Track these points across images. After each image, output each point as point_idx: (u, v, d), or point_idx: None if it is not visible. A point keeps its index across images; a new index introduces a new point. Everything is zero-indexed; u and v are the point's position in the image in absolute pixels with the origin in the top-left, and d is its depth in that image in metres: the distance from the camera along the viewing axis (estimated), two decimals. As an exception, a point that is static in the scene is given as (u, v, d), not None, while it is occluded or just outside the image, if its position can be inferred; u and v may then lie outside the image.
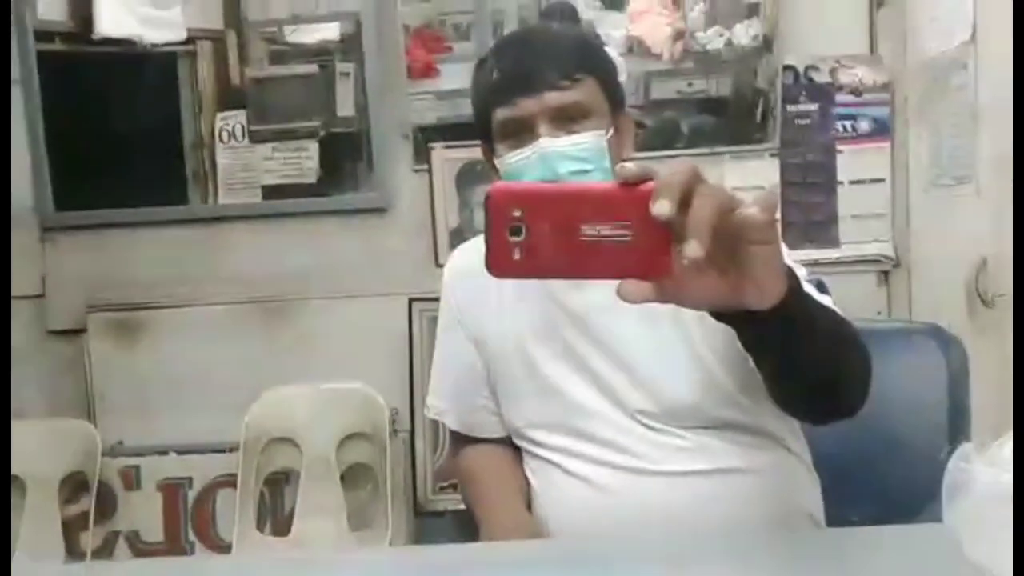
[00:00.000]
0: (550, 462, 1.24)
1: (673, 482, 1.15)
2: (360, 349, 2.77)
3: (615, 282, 0.64)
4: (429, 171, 2.81)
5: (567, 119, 1.15)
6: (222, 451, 2.74)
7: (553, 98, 1.14)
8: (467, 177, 2.76)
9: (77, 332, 2.90)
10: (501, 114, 1.16)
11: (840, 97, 2.60)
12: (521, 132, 1.15)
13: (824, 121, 2.62)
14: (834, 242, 2.59)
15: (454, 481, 2.41)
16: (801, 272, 1.02)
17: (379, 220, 2.87)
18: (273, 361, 2.80)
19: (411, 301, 2.75)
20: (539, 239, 0.62)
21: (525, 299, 1.25)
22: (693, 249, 0.60)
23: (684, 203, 0.61)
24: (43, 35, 3.05)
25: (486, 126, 1.20)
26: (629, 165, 0.63)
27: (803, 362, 0.83)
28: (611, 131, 1.19)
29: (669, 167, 0.63)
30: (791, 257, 1.08)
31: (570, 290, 1.20)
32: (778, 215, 0.69)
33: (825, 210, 2.60)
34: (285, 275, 2.88)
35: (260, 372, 2.73)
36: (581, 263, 0.62)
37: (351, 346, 2.78)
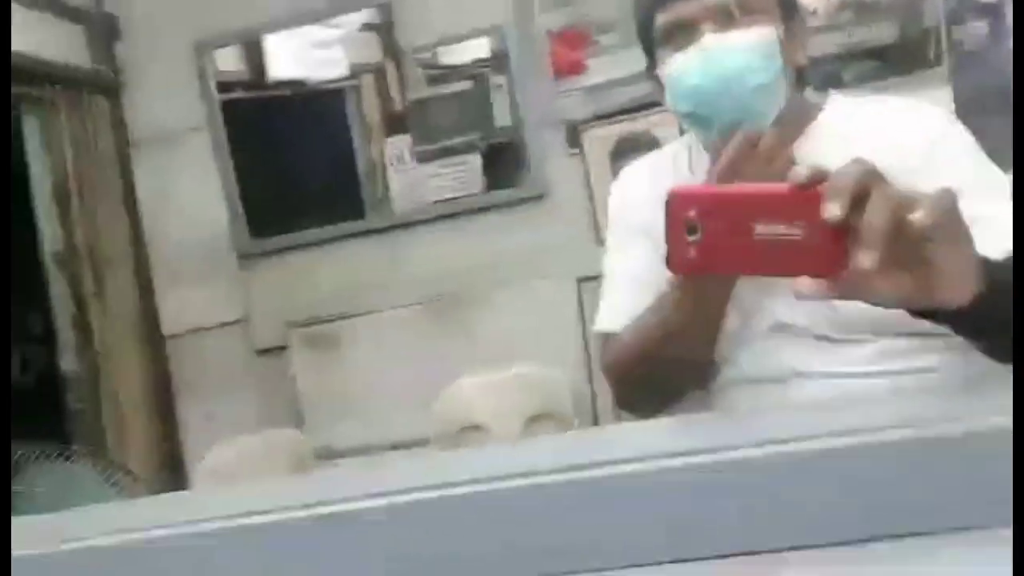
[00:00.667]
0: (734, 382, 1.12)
1: (862, 382, 1.03)
2: (536, 333, 2.70)
3: None
4: (581, 153, 2.71)
5: (731, 18, 1.04)
6: (420, 444, 2.71)
7: None
8: (622, 153, 2.65)
9: (280, 349, 2.97)
10: (661, 19, 1.07)
11: (1010, 11, 2.29)
12: (683, 35, 1.05)
13: (995, 40, 2.31)
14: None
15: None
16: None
17: (539, 208, 2.79)
18: (456, 354, 2.77)
19: (579, 281, 2.64)
20: (714, 237, 0.62)
21: None
22: (866, 259, 0.58)
23: (858, 203, 0.58)
24: (224, 85, 3.19)
25: (648, 38, 1.11)
26: (801, 170, 0.60)
27: (1004, 342, 0.72)
28: (781, 30, 1.06)
29: (843, 167, 0.60)
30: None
31: None
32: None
33: (1006, 134, 2.29)
34: (458, 273, 2.85)
35: (445, 365, 2.69)
36: (755, 260, 0.62)
37: (527, 331, 2.71)
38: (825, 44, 2.68)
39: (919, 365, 1.03)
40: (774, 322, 1.10)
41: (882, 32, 2.69)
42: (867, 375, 1.04)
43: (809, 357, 1.07)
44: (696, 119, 1.10)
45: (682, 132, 1.29)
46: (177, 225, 3.05)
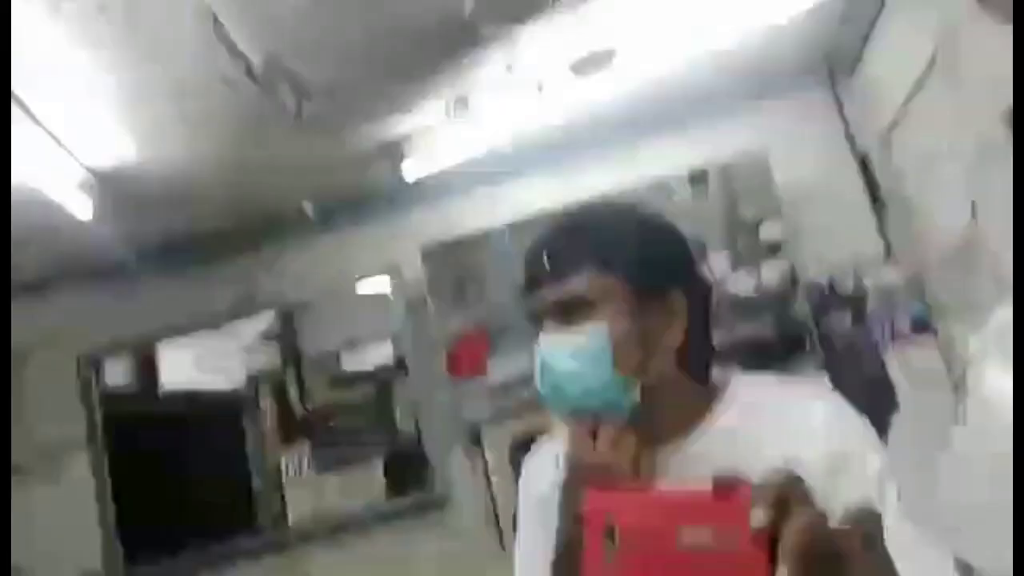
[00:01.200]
0: None
1: None
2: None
3: None
4: (482, 453, 2.66)
5: (568, 313, 1.03)
6: None
7: (550, 291, 1.03)
8: (519, 450, 2.60)
9: None
10: (529, 295, 1.07)
11: (872, 302, 2.45)
12: (538, 323, 1.05)
13: (862, 329, 2.45)
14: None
15: None
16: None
17: (441, 514, 2.68)
18: None
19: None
20: (633, 545, 0.58)
21: None
22: None
23: (783, 514, 0.56)
24: (111, 399, 3.09)
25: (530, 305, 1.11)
26: (721, 477, 0.58)
27: None
28: (622, 323, 1.04)
29: (768, 477, 0.58)
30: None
31: None
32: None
33: (886, 412, 2.35)
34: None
35: None
36: (678, 571, 0.58)
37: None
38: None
39: None
40: None
41: (761, 327, 2.84)
42: None
43: None
44: (553, 410, 1.08)
45: None
46: (48, 556, 2.78)
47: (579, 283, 1.04)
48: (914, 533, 0.93)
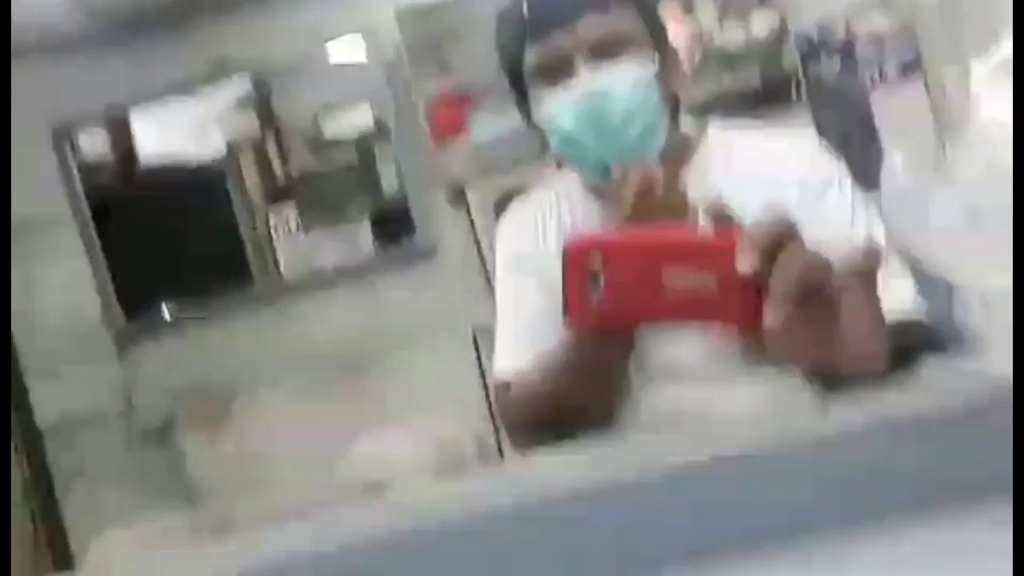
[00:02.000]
0: None
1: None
2: (435, 389, 2.62)
3: None
4: (467, 209, 2.69)
5: (606, 53, 0.99)
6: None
7: (588, 28, 0.99)
8: (504, 206, 2.64)
9: (167, 428, 2.81)
10: (533, 53, 1.01)
11: (860, 49, 2.39)
12: (557, 72, 1.00)
13: (850, 75, 2.41)
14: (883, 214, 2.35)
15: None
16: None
17: (429, 265, 2.74)
18: (357, 419, 2.65)
19: (475, 333, 2.60)
20: (619, 289, 0.56)
21: None
22: (772, 317, 0.54)
23: (771, 256, 0.54)
24: (92, 168, 3.05)
25: (518, 74, 1.05)
26: (715, 203, 0.57)
27: None
28: (657, 61, 1.03)
29: (759, 219, 0.56)
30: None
31: None
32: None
33: (868, 161, 2.37)
34: (353, 336, 2.76)
35: (344, 429, 2.58)
36: (663, 311, 0.56)
37: (426, 388, 2.63)
38: (696, 93, 2.75)
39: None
40: (663, 362, 1.06)
41: (747, 77, 2.79)
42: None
43: (698, 397, 1.03)
44: (580, 162, 1.06)
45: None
46: (48, 313, 2.86)
47: (622, 18, 1.01)
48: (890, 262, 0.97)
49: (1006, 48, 0.58)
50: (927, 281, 0.95)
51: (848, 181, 1.06)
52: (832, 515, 0.48)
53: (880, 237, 1.01)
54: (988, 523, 0.47)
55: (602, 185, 1.04)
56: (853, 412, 0.52)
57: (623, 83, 0.99)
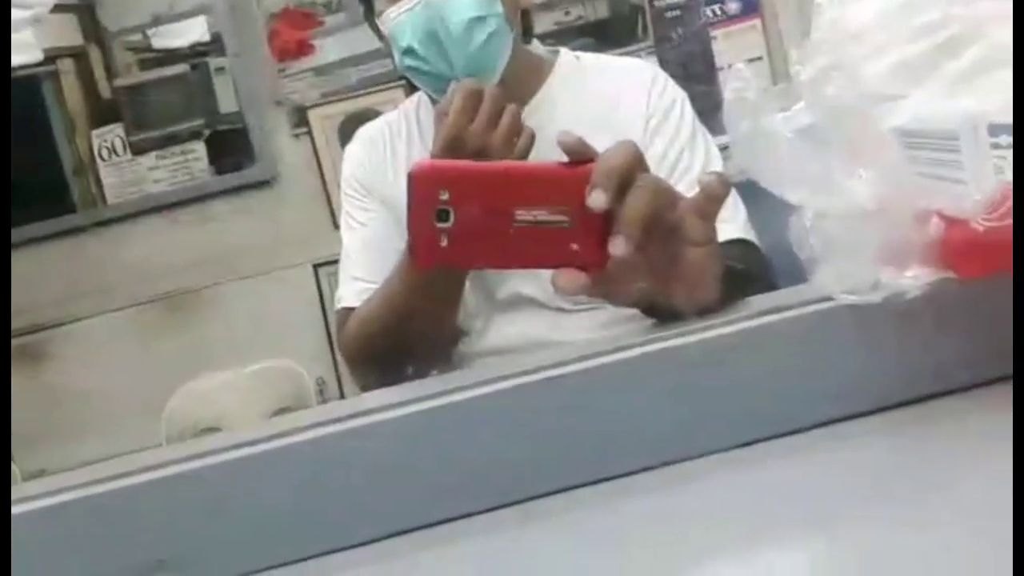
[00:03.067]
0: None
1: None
2: (275, 325, 2.49)
3: None
4: (310, 134, 2.54)
5: None
6: (150, 456, 2.42)
7: None
8: (349, 132, 2.52)
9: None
10: None
11: (704, -17, 2.40)
12: None
13: (692, 9, 2.42)
14: (721, 129, 2.39)
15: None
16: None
17: (268, 193, 2.59)
18: (187, 356, 2.50)
19: (316, 267, 2.48)
20: (468, 224, 0.52)
21: None
22: (618, 246, 0.52)
23: (623, 191, 0.53)
24: None
25: None
26: (567, 136, 0.54)
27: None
28: None
29: (610, 149, 0.54)
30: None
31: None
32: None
33: (710, 98, 2.39)
34: (185, 268, 2.58)
35: (174, 368, 2.42)
36: (514, 251, 0.53)
37: (264, 325, 2.50)
38: (544, 23, 2.71)
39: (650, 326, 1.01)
40: (512, 294, 1.04)
41: (596, 9, 2.78)
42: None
43: (547, 328, 1.02)
44: (422, 76, 1.00)
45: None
46: None
47: None
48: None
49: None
50: (764, 204, 0.96)
51: (689, 108, 1.07)
52: (670, 434, 0.46)
53: (718, 164, 1.02)
54: (823, 442, 0.46)
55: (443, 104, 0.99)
56: (686, 335, 0.50)
57: (490, 39, 0.95)
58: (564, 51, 1.13)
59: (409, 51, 0.97)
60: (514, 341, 1.03)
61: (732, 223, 0.96)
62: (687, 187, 0.90)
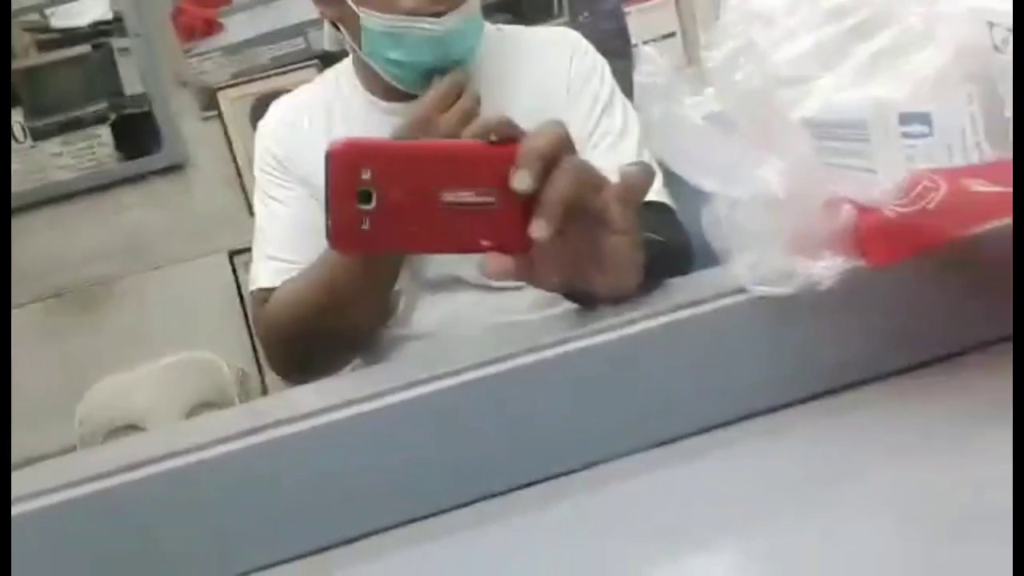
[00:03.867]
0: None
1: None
2: (190, 317, 2.41)
3: None
4: (220, 116, 2.45)
5: None
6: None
7: None
8: (261, 112, 2.44)
9: None
10: None
11: (618, -41, 2.39)
12: None
13: (608, -14, 2.40)
14: (637, 107, 2.40)
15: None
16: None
17: (179, 179, 2.49)
18: (100, 351, 2.40)
19: (232, 255, 2.40)
20: (391, 207, 0.49)
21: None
22: (538, 228, 0.51)
23: (547, 173, 0.52)
24: None
25: None
26: (494, 116, 0.53)
27: None
28: None
29: (537, 128, 0.53)
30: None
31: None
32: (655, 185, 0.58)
33: (627, 75, 2.39)
34: (91, 259, 2.46)
35: (88, 366, 2.32)
36: (439, 234, 0.51)
37: (180, 316, 2.41)
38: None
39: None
40: (439, 274, 1.02)
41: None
42: (528, 322, 0.99)
43: (473, 307, 1.01)
44: (395, 69, 1.01)
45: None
46: None
47: None
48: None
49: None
50: (678, 190, 0.96)
51: (609, 74, 1.09)
52: (584, 435, 0.45)
53: (635, 129, 1.02)
54: (739, 437, 0.45)
55: (411, 91, 1.00)
56: (598, 334, 0.48)
57: (469, 25, 0.98)
58: (487, 24, 1.12)
59: (391, 58, 0.99)
60: (441, 322, 1.02)
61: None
62: (605, 151, 0.89)
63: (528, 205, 0.51)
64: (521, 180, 0.50)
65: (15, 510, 0.44)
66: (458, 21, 0.97)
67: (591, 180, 0.54)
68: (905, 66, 0.37)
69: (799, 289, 0.45)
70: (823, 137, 0.43)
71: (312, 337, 0.98)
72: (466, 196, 0.51)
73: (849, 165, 0.42)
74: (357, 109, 1.07)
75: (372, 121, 1.05)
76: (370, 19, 0.97)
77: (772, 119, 0.44)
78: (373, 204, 0.49)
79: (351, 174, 0.49)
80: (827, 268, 0.45)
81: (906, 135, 0.38)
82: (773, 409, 0.47)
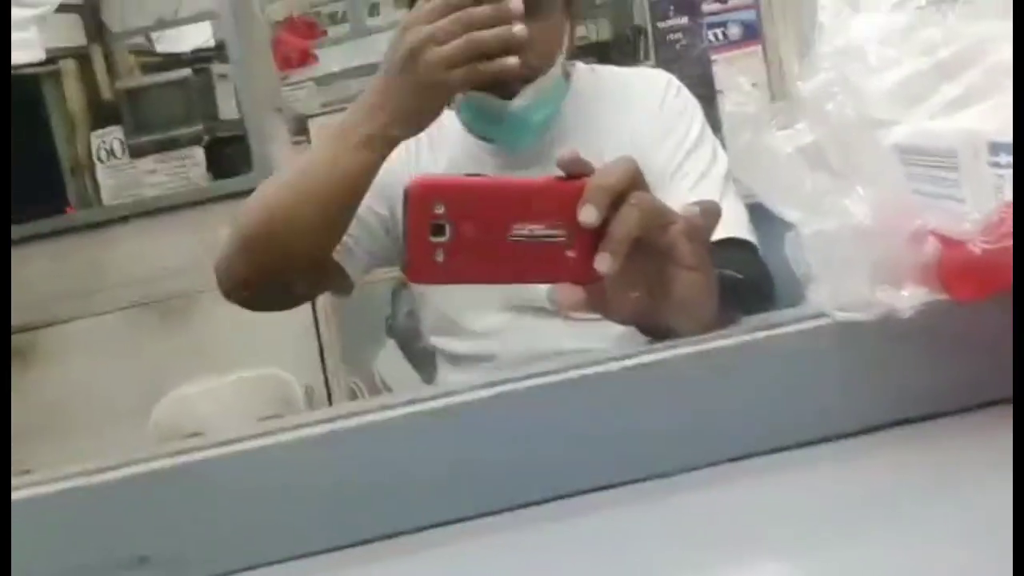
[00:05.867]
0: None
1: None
2: (265, 333, 2.47)
3: None
4: (309, 142, 2.55)
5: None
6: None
7: None
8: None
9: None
10: None
11: (707, 6, 2.41)
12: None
13: (695, 33, 2.43)
14: (725, 137, 2.40)
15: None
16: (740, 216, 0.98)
17: (265, 199, 2.57)
18: (177, 361, 2.48)
19: (310, 276, 2.47)
20: (465, 239, 0.52)
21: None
22: (603, 261, 0.52)
23: (615, 208, 0.53)
24: None
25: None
26: (565, 153, 0.54)
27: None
28: (566, 21, 1.03)
29: (606, 165, 0.54)
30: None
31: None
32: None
33: (710, 121, 2.41)
34: (177, 271, 2.56)
35: (165, 375, 2.40)
36: (510, 266, 0.53)
37: (255, 332, 2.47)
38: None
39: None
40: (522, 299, 1.03)
41: (599, 30, 2.80)
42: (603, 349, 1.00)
43: (558, 336, 1.00)
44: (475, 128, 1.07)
45: None
46: None
47: None
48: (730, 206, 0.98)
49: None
50: (765, 222, 0.96)
51: (700, 115, 1.09)
52: (658, 447, 0.46)
53: (722, 171, 1.02)
54: (813, 460, 0.46)
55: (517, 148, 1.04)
56: (677, 348, 0.49)
57: (543, 98, 0.99)
58: (579, 64, 1.15)
59: (466, 120, 1.05)
60: (525, 350, 1.02)
61: (726, 221, 0.96)
62: (687, 190, 0.89)
63: (596, 239, 0.53)
64: (588, 214, 0.52)
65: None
66: (530, 97, 0.98)
67: (659, 216, 0.55)
68: (995, 98, 0.38)
69: (880, 317, 0.46)
70: (912, 164, 0.44)
71: (282, 236, 0.94)
72: (536, 229, 0.53)
73: (937, 195, 0.43)
74: (446, 136, 1.10)
75: (457, 150, 1.09)
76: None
77: (862, 148, 0.45)
78: (447, 237, 0.52)
79: (426, 209, 0.52)
80: (909, 298, 0.45)
81: (995, 165, 0.39)
82: (847, 434, 0.47)
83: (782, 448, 0.47)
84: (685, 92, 1.11)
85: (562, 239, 0.53)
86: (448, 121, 1.10)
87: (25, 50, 3.05)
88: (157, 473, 0.46)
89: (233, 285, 1.02)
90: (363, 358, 2.48)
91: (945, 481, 0.42)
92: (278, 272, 0.97)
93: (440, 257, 0.52)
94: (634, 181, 0.54)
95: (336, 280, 1.06)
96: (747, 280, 0.83)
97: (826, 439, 0.47)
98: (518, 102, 0.97)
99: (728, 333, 0.49)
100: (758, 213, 0.92)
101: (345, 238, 1.00)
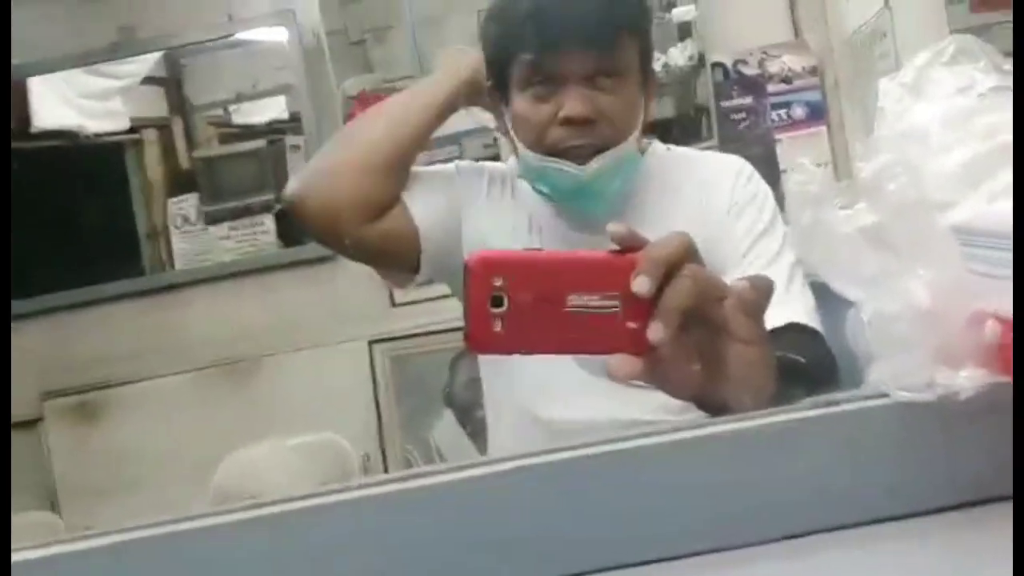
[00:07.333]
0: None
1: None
2: (326, 399, 2.52)
3: None
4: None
5: (601, 76, 1.01)
6: (194, 523, 2.43)
7: (591, 58, 0.99)
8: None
9: (33, 423, 2.62)
10: (523, 62, 1.01)
11: (771, 87, 2.44)
12: (547, 82, 1.00)
13: (759, 113, 2.45)
14: (787, 216, 2.39)
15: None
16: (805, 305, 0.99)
17: (330, 267, 2.65)
18: (240, 423, 2.53)
19: (371, 344, 2.51)
20: (522, 310, 0.54)
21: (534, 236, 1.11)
22: (655, 331, 0.53)
23: (669, 280, 0.54)
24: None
25: (503, 67, 1.04)
26: (617, 227, 0.55)
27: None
28: (641, 93, 1.06)
29: (660, 238, 0.56)
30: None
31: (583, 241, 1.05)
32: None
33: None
34: (244, 335, 2.64)
35: (224, 436, 2.45)
36: (567, 336, 0.55)
37: (316, 397, 2.52)
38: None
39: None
40: (576, 366, 1.04)
41: (662, 109, 2.84)
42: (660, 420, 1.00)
43: (617, 405, 1.01)
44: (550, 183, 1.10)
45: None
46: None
47: (625, 50, 1.02)
48: (794, 290, 0.98)
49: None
50: (827, 300, 0.96)
51: (772, 202, 1.10)
52: (711, 521, 0.46)
53: (788, 259, 1.02)
54: (868, 540, 0.45)
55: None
56: (734, 422, 0.50)
57: (617, 167, 1.02)
58: (656, 142, 1.18)
59: (539, 188, 1.09)
60: (583, 416, 1.04)
61: (790, 307, 0.96)
62: (754, 273, 0.90)
63: (651, 310, 0.54)
64: (641, 284, 0.53)
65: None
66: (604, 165, 1.00)
67: (711, 288, 0.56)
68: (1055, 183, 0.39)
69: (939, 398, 0.46)
70: (971, 245, 0.45)
71: (379, 153, 1.08)
72: (591, 300, 0.54)
73: (997, 275, 0.44)
74: (522, 195, 1.14)
75: (536, 207, 1.12)
76: (520, 148, 1.05)
77: (922, 229, 0.46)
78: (505, 307, 0.54)
79: (486, 282, 0.54)
80: (968, 380, 0.45)
81: (1054, 247, 0.39)
82: (907, 515, 0.47)
83: (840, 527, 0.47)
84: (757, 178, 1.12)
85: (616, 310, 0.54)
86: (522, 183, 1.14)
87: (111, 119, 3.23)
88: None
89: (313, 194, 1.11)
90: (419, 427, 2.50)
91: (1006, 564, 0.42)
92: (353, 185, 1.07)
93: (499, 327, 0.54)
94: (687, 254, 0.55)
95: (401, 254, 1.13)
96: (809, 364, 0.83)
97: (885, 519, 0.47)
98: (592, 166, 1.01)
99: (788, 409, 0.49)
100: (821, 292, 0.92)
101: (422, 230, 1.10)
